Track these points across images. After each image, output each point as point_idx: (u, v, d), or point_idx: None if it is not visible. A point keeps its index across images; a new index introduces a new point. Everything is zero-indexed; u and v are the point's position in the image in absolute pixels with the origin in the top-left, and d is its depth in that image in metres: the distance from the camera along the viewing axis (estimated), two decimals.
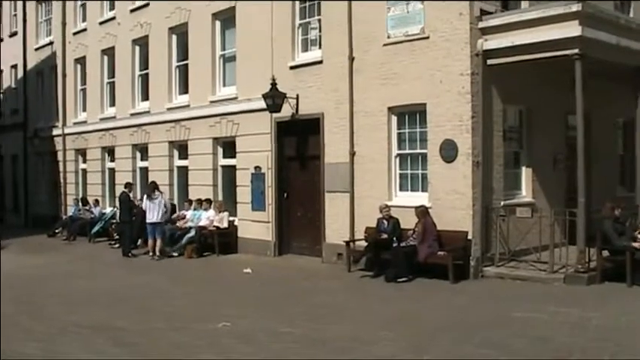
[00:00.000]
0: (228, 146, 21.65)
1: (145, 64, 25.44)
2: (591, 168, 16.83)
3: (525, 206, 16.12)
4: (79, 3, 29.91)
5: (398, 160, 16.94)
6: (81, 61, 29.55)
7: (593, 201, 15.82)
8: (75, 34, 29.80)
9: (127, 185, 22.25)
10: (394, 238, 15.94)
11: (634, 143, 17.74)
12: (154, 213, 20.25)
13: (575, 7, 13.94)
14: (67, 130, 30.35)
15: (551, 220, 14.78)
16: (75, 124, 29.89)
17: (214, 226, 20.74)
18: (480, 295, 13.54)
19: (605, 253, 14.25)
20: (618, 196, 18.29)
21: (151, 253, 20.22)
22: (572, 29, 13.99)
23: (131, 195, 22.00)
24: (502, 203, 15.84)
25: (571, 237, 14.54)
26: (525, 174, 17.16)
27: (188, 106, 22.82)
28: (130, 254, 20.78)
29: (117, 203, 23.32)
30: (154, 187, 20.78)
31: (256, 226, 20.21)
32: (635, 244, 13.95)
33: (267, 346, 9.88)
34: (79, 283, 16.03)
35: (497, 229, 15.47)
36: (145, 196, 20.82)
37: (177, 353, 9.60)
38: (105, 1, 27.72)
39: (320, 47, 18.61)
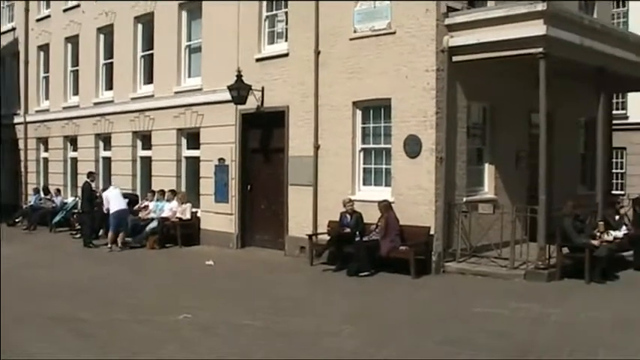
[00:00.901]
0: (193, 137, 21.54)
1: (109, 53, 25.18)
2: (553, 166, 17.01)
3: (487, 203, 16.23)
4: None
5: (362, 154, 16.98)
6: (44, 48, 29.17)
7: (554, 199, 16.03)
8: (38, 20, 29.42)
9: (90, 175, 21.97)
10: (357, 233, 15.96)
11: (595, 142, 17.96)
12: (117, 201, 20.10)
13: (541, 7, 14.10)
14: (28, 118, 29.96)
15: (513, 216, 14.91)
16: (37, 112, 29.53)
17: (177, 218, 20.62)
18: (442, 290, 13.65)
19: (565, 250, 14.46)
20: (579, 195, 18.58)
21: (109, 245, 19.96)
22: (537, 28, 14.12)
23: (93, 185, 21.76)
24: (464, 199, 15.96)
25: (532, 234, 14.70)
26: (488, 171, 17.29)
27: (152, 96, 22.64)
28: (90, 245, 20.57)
29: (79, 193, 23.10)
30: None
31: (219, 218, 20.14)
32: (594, 242, 14.22)
33: (229, 339, 9.88)
34: (40, 274, 15.86)
35: (460, 224, 15.58)
36: (104, 192, 20.79)
37: (139, 344, 9.55)
38: None
39: (286, 40, 18.57)
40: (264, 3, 19.12)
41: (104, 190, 21.27)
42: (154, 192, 22.01)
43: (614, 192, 23.85)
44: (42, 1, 29.51)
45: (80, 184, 23.25)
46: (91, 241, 20.72)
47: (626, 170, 28.13)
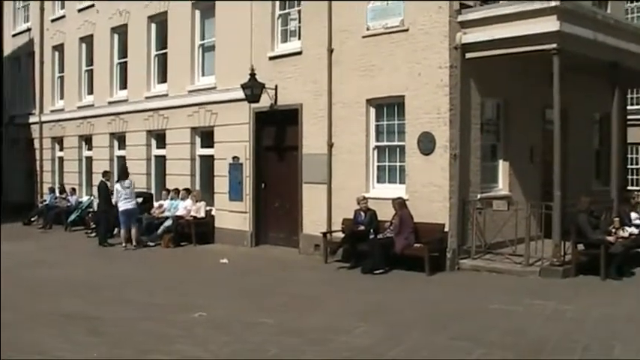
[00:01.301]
0: (207, 136, 21.58)
1: (123, 52, 25.30)
2: (567, 162, 16.96)
3: (502, 199, 16.19)
4: None
5: (376, 152, 16.97)
6: (59, 48, 29.35)
7: (569, 195, 15.94)
8: (53, 20, 29.59)
9: (105, 174, 22.07)
10: (371, 230, 15.96)
11: (609, 138, 17.89)
12: (127, 200, 20.13)
13: (554, 2, 14.05)
14: (44, 118, 30.14)
15: (527, 213, 14.87)
16: (52, 111, 29.71)
17: (191, 216, 20.67)
18: (456, 287, 13.64)
19: (580, 246, 14.40)
20: (593, 191, 18.51)
21: (124, 244, 20.00)
22: (550, 24, 14.07)
23: (109, 184, 21.83)
24: (479, 196, 15.92)
25: (547, 230, 14.66)
26: (502, 167, 17.23)
27: (166, 95, 22.70)
28: (106, 243, 20.65)
29: (94, 192, 23.18)
30: (125, 173, 20.65)
31: (233, 216, 20.17)
32: (610, 238, 14.14)
33: (243, 336, 9.88)
34: (55, 272, 15.93)
35: (474, 221, 15.54)
36: (117, 183, 20.71)
37: (153, 342, 9.57)
38: None
39: (299, 38, 18.59)
40: (277, 1, 19.13)
41: (117, 181, 21.10)
42: (168, 190, 22.10)
43: (629, 188, 23.75)
44: (57, 2, 29.65)
45: (95, 183, 23.37)
46: (106, 239, 20.80)
47: None
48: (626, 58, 16.45)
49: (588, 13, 15.64)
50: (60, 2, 29.51)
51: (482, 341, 9.34)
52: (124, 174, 20.67)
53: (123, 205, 20.03)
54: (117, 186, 20.52)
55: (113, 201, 20.53)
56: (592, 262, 14.00)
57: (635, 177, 27.88)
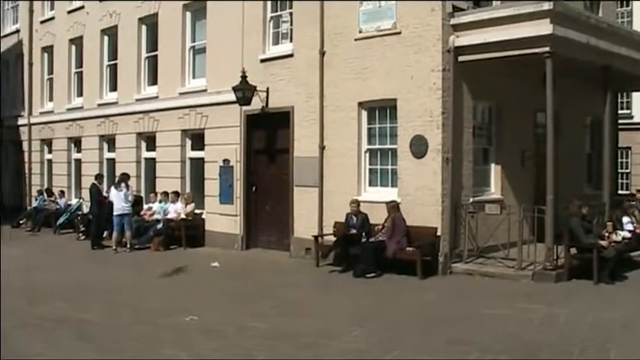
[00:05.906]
0: (197, 138, 21.47)
1: (113, 54, 25.14)
2: (559, 166, 16.94)
3: (494, 203, 16.13)
4: None
5: (368, 155, 16.91)
6: (48, 50, 29.16)
7: (561, 199, 15.91)
8: (42, 22, 29.42)
9: (98, 177, 21.97)
10: (363, 234, 15.91)
11: (601, 142, 17.90)
12: (120, 204, 20.02)
13: (547, 6, 14.04)
14: (32, 120, 29.97)
15: (520, 217, 14.83)
16: (41, 113, 29.50)
17: (182, 219, 20.55)
18: (449, 292, 13.59)
19: (573, 250, 14.38)
20: (585, 194, 18.51)
21: (114, 247, 19.89)
22: (543, 27, 14.06)
23: (101, 187, 21.68)
24: (471, 200, 15.89)
25: (539, 234, 14.59)
26: (494, 171, 17.21)
27: (157, 97, 22.60)
28: (97, 246, 20.51)
29: (83, 194, 23.03)
30: (123, 178, 20.52)
31: (224, 219, 20.06)
32: (603, 242, 14.13)
33: (235, 341, 9.80)
34: (45, 276, 15.75)
35: (466, 225, 15.50)
36: (112, 187, 20.61)
37: (143, 347, 9.48)
38: None
39: (291, 41, 18.51)
40: (269, 4, 19.07)
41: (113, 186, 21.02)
42: (157, 193, 21.98)
43: (620, 192, 23.80)
44: (46, 1, 29.52)
45: (84, 185, 23.19)
46: (98, 242, 20.67)
47: (631, 170, 28.08)
48: (618, 61, 16.49)
49: (581, 17, 15.66)
50: (49, 3, 29.36)
51: (477, 345, 9.31)
52: (120, 180, 20.52)
53: (117, 210, 19.96)
54: (112, 190, 20.46)
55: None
56: (585, 267, 14.00)
57: (625, 181, 27.96)
